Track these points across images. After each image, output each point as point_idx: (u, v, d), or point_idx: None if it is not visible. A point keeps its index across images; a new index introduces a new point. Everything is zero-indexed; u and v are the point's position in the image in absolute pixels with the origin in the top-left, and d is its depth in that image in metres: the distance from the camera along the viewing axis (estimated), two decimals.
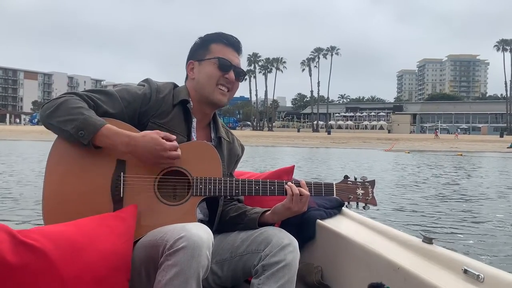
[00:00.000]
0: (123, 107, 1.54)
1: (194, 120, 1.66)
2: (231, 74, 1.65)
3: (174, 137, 1.48)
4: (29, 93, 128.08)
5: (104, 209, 1.41)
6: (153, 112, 1.58)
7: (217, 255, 1.59)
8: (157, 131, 1.46)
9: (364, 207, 1.65)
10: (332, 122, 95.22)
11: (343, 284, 1.77)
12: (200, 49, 1.67)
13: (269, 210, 1.63)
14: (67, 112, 1.41)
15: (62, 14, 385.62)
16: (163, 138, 1.44)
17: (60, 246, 1.18)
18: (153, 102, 1.58)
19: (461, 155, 24.85)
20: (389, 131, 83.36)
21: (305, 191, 1.56)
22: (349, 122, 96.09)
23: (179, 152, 1.46)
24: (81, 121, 1.40)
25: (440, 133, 71.92)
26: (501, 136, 60.29)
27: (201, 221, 1.63)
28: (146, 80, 1.65)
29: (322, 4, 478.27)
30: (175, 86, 1.69)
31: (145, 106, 1.57)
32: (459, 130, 78.93)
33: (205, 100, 1.66)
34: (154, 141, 1.42)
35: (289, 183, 1.58)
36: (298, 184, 1.59)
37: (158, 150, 1.42)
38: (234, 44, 1.68)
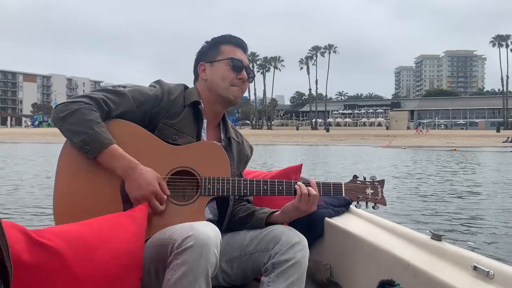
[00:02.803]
0: (135, 108, 1.55)
1: (205, 121, 1.67)
2: (244, 74, 1.67)
3: (168, 192, 1.48)
4: (29, 96, 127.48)
5: (114, 210, 1.42)
6: (164, 113, 1.59)
7: (227, 254, 1.60)
8: (159, 175, 1.47)
9: (373, 207, 1.64)
10: (330, 119, 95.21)
11: (352, 281, 1.78)
12: (210, 51, 1.69)
13: (278, 210, 1.64)
14: (78, 123, 1.42)
15: (56, 15, 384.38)
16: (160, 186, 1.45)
17: (74, 246, 1.19)
18: (164, 103, 1.59)
19: (455, 150, 25.39)
20: (387, 128, 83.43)
21: (314, 191, 1.56)
22: (348, 120, 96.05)
23: (163, 207, 1.46)
24: (90, 136, 1.41)
25: (438, 128, 72.58)
26: (498, 130, 60.37)
27: (211, 220, 1.63)
28: (158, 82, 1.66)
29: (320, 2, 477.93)
30: (186, 87, 1.70)
31: (157, 107, 1.58)
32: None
33: (219, 98, 1.67)
34: (150, 180, 1.43)
35: (299, 182, 1.58)
36: (308, 183, 1.60)
37: (147, 189, 1.43)
38: (242, 44, 1.71)
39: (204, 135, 1.66)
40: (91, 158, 1.43)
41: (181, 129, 1.59)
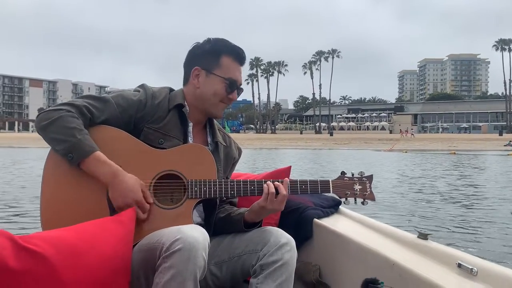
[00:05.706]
0: (118, 113, 1.55)
1: (191, 124, 1.67)
2: (235, 95, 1.67)
3: (150, 200, 1.47)
4: (35, 101, 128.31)
5: (101, 215, 1.43)
6: (148, 117, 1.58)
7: (216, 257, 1.60)
8: (143, 183, 1.47)
9: (362, 203, 1.60)
10: (334, 123, 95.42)
11: (340, 281, 1.79)
12: (210, 58, 1.64)
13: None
14: (60, 131, 1.43)
15: (57, 19, 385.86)
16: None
17: (61, 251, 1.20)
18: (148, 108, 1.59)
19: (454, 153, 25.70)
20: (390, 132, 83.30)
21: (283, 190, 1.54)
22: (351, 123, 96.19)
23: (145, 215, 1.46)
24: (72, 144, 1.42)
25: (442, 132, 72.63)
26: (500, 134, 59.88)
27: (199, 224, 1.64)
28: (142, 86, 1.65)
29: (323, 5, 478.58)
30: (171, 90, 1.70)
31: (141, 112, 1.58)
32: (459, 131, 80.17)
33: (204, 111, 1.68)
34: (132, 188, 1.43)
35: (268, 181, 1.56)
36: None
37: (130, 198, 1.43)
38: (241, 58, 1.68)
39: (190, 139, 1.66)
40: (74, 165, 1.44)
41: (167, 132, 1.59)
